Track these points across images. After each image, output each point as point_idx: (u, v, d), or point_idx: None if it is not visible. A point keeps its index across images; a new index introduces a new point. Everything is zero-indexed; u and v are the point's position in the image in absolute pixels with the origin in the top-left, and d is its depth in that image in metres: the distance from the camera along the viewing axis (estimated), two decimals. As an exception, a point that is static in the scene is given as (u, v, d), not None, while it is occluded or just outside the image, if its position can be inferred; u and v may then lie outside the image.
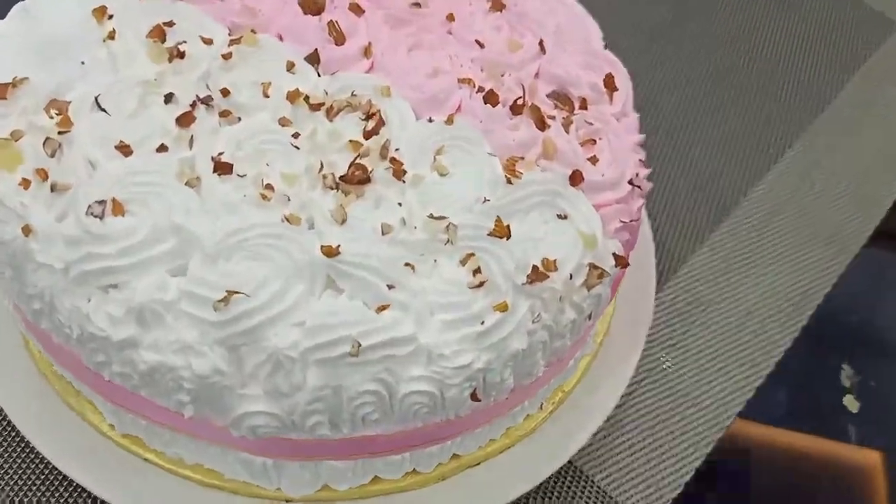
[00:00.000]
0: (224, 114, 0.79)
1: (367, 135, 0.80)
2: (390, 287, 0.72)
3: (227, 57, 0.82)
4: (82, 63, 0.80)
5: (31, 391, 0.88)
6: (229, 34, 0.85)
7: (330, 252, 0.71)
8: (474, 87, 0.85)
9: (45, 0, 0.86)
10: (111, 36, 0.82)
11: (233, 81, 0.81)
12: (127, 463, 0.85)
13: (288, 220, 0.73)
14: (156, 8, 0.85)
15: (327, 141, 0.79)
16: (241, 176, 0.75)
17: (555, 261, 0.75)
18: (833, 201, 1.23)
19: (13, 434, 0.90)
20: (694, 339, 1.07)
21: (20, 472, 0.90)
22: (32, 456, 0.89)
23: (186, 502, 0.85)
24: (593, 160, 0.83)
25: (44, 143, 0.74)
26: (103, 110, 0.77)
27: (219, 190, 0.74)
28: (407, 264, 0.73)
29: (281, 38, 0.86)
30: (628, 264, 0.84)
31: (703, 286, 1.12)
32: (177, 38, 0.83)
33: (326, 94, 0.82)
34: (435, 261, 0.75)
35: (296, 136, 0.79)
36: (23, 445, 0.90)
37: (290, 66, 0.83)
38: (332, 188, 0.76)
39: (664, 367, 1.05)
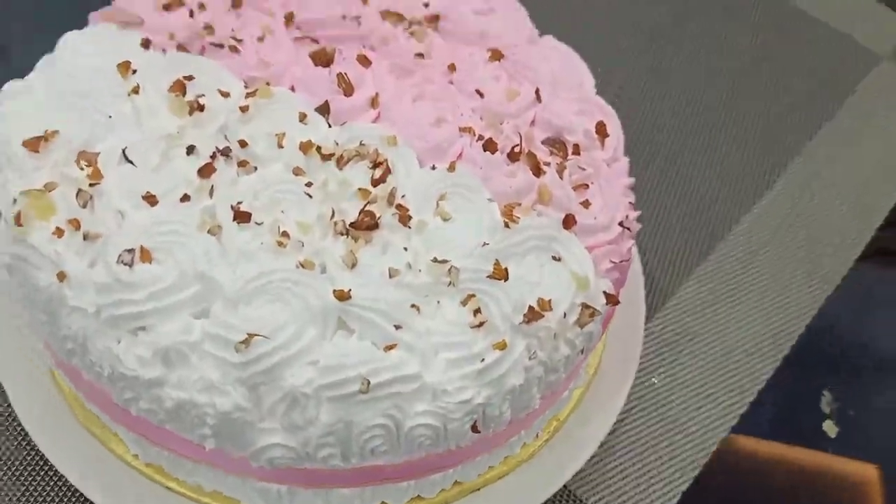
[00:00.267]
0: (242, 164, 0.83)
1: (375, 183, 0.83)
2: (397, 327, 0.75)
3: (244, 109, 0.85)
4: (109, 117, 0.83)
5: (58, 422, 0.91)
6: (245, 87, 0.89)
7: (342, 296, 0.74)
8: (474, 135, 0.89)
9: (70, 52, 0.89)
10: (135, 90, 0.85)
11: (250, 133, 0.84)
12: (150, 491, 0.88)
13: (302, 265, 0.76)
14: (176, 62, 0.89)
15: (338, 189, 0.82)
16: (259, 224, 0.78)
17: (549, 301, 0.78)
18: (816, 235, 1.25)
19: (41, 462, 0.93)
20: (682, 367, 1.10)
21: (49, 499, 0.92)
22: (60, 483, 0.92)
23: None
24: (585, 204, 0.87)
25: (77, 195, 0.77)
26: (130, 162, 0.80)
27: (238, 238, 0.77)
28: (413, 306, 0.77)
29: (293, 89, 0.90)
30: (619, 302, 0.86)
31: (690, 318, 1.14)
32: (196, 91, 0.86)
33: (336, 144, 0.86)
34: (438, 302, 0.78)
35: (309, 185, 0.82)
36: (52, 474, 0.92)
37: (303, 118, 0.86)
38: (342, 234, 0.79)
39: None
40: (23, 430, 0.93)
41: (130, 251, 0.74)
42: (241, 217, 0.78)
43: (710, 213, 1.27)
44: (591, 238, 0.85)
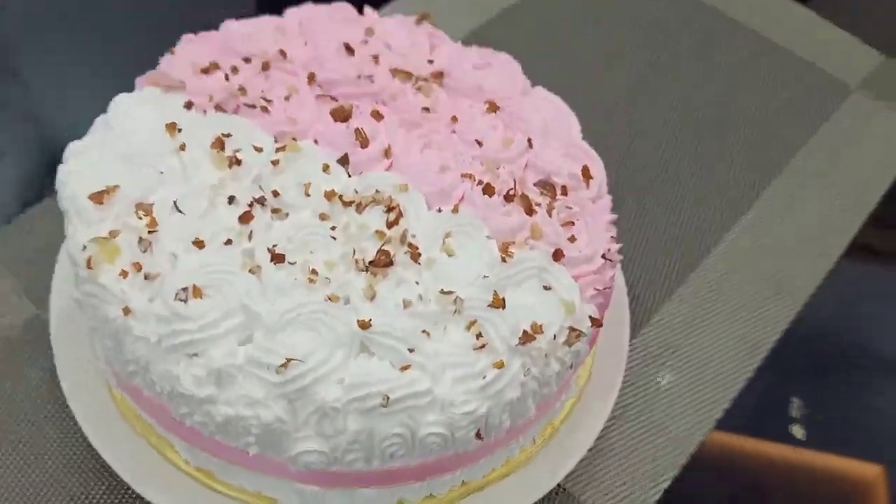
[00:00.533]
0: (275, 211, 0.89)
1: (390, 225, 0.89)
2: (411, 350, 0.81)
3: (275, 163, 0.91)
4: (161, 172, 0.89)
5: (116, 432, 0.96)
6: (275, 142, 0.94)
7: (363, 325, 0.81)
8: (475, 180, 0.94)
9: (122, 114, 0.94)
10: (181, 147, 0.91)
11: (281, 183, 0.90)
12: (199, 492, 0.94)
13: (330, 298, 0.82)
14: (215, 122, 0.95)
15: (358, 232, 0.88)
16: (292, 263, 0.84)
17: (541, 325, 0.83)
18: (784, 257, 1.29)
19: (101, 469, 0.99)
20: (664, 378, 1.14)
21: (112, 500, 0.99)
22: (115, 482, 0.98)
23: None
24: (572, 239, 0.91)
25: (138, 242, 0.84)
26: (180, 212, 0.87)
27: (275, 276, 0.83)
28: (423, 331, 0.82)
29: (317, 143, 0.95)
30: (601, 324, 0.91)
31: (671, 333, 1.19)
32: (233, 146, 0.92)
33: (356, 192, 0.92)
34: (445, 328, 0.83)
35: (333, 228, 0.88)
36: (109, 475, 0.98)
37: (326, 168, 0.92)
38: (363, 271, 0.85)
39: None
40: (88, 443, 0.98)
41: (185, 289, 0.81)
42: (277, 258, 0.85)
43: (688, 242, 1.30)
44: (578, 269, 0.90)
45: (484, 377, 0.82)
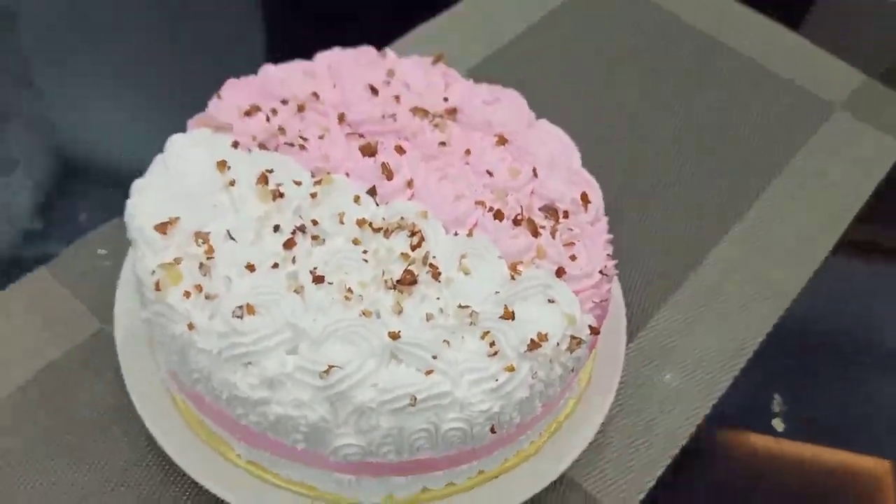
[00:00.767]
0: (314, 238, 0.94)
1: (413, 248, 0.94)
2: (434, 358, 0.86)
3: (313, 195, 0.97)
4: (214, 206, 0.96)
5: (179, 433, 1.03)
6: (312, 176, 1.00)
7: (394, 336, 0.87)
8: (486, 207, 1.00)
9: (178, 153, 1.01)
10: (231, 183, 0.98)
11: (318, 213, 0.96)
12: (252, 483, 1.00)
13: (363, 314, 0.88)
14: (259, 159, 1.01)
15: (386, 255, 0.94)
16: (330, 284, 0.90)
17: (546, 334, 0.89)
18: (767, 267, 1.34)
19: (164, 464, 1.05)
20: (658, 377, 1.19)
21: (173, 493, 1.06)
22: (177, 476, 1.04)
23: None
24: (573, 258, 0.97)
25: (199, 267, 0.90)
26: (233, 240, 0.93)
27: (316, 295, 0.89)
28: (444, 341, 0.88)
29: (348, 176, 1.01)
30: (599, 332, 0.97)
31: (665, 337, 1.24)
32: (276, 181, 0.98)
33: (383, 219, 0.97)
34: (463, 338, 0.89)
35: (364, 252, 0.94)
36: (170, 471, 1.04)
37: (357, 199, 0.98)
38: (391, 289, 0.91)
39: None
40: (153, 444, 1.04)
41: (240, 307, 0.87)
42: (317, 279, 0.91)
43: (680, 253, 1.34)
44: (578, 284, 0.95)
45: (497, 380, 0.87)
